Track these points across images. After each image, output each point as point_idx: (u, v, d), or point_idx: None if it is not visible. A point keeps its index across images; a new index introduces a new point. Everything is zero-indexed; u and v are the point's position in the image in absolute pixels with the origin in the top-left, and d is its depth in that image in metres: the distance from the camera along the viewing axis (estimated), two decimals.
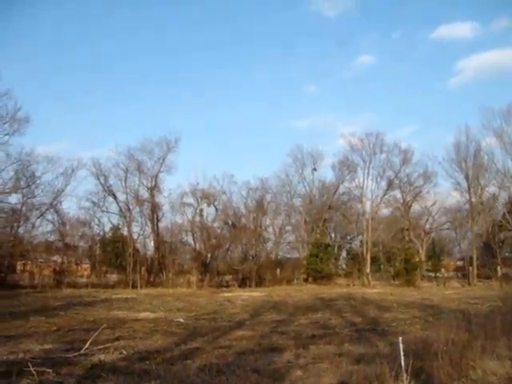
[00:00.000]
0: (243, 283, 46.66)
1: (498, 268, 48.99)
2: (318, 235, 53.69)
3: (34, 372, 8.09)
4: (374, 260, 56.69)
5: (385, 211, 60.26)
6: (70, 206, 48.80)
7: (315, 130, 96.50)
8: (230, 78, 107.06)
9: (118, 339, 12.65)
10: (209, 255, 48.91)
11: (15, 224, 42.82)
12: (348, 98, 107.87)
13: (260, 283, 46.87)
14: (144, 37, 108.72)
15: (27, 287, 37.70)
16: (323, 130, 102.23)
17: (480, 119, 53.47)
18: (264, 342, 12.68)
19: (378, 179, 55.06)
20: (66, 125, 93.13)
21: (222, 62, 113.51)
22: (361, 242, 56.97)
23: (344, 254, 64.41)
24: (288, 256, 58.83)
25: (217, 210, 52.33)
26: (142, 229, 49.97)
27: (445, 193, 58.98)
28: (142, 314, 20.01)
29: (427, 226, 63.12)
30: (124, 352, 10.75)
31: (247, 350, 11.17)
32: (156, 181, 49.81)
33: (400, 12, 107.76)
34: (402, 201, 57.60)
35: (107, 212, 49.24)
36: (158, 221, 50.04)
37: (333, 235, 63.89)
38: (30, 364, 8.45)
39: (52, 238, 46.43)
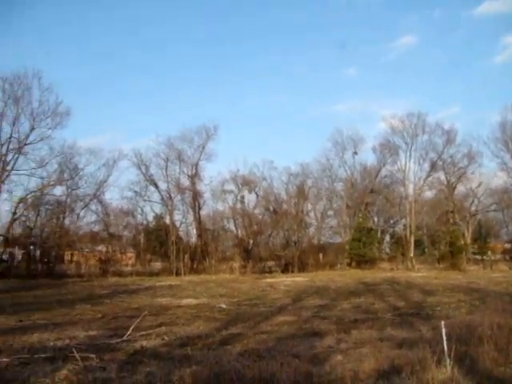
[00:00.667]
0: (286, 269, 46.69)
1: None
2: (361, 219, 53.14)
3: (79, 357, 8.22)
4: (418, 243, 55.90)
5: (428, 194, 59.08)
6: (113, 197, 50.07)
7: (355, 113, 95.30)
8: (269, 65, 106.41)
9: (160, 325, 12.79)
10: (251, 241, 49.13)
11: (61, 215, 43.95)
12: (389, 81, 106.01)
13: (303, 268, 46.78)
14: (185, 26, 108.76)
15: (74, 276, 38.70)
16: (364, 113, 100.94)
17: None
18: (305, 326, 12.62)
19: (421, 161, 54.14)
20: (106, 118, 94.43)
21: (261, 50, 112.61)
22: (404, 225, 56.21)
23: (387, 237, 63.73)
24: (330, 241, 58.56)
25: (258, 196, 52.54)
26: (184, 217, 50.72)
27: (490, 173, 57.52)
28: (185, 301, 20.21)
29: (473, 208, 61.44)
30: (166, 338, 10.86)
31: (288, 335, 11.14)
32: (196, 169, 50.27)
33: None
34: (445, 183, 56.42)
35: (149, 201, 50.08)
36: (199, 208, 50.52)
37: (375, 219, 63.21)
38: (74, 350, 8.60)
39: (96, 228, 47.56)
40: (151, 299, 21.24)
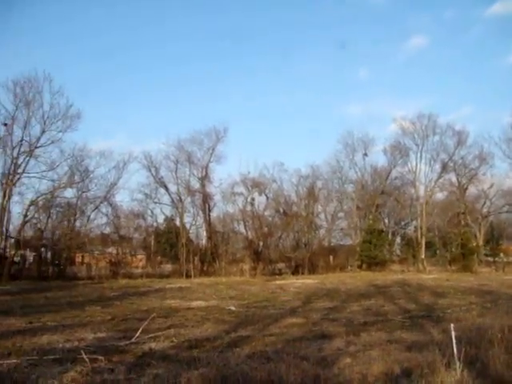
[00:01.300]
0: (296, 271, 46.63)
1: None
2: (371, 221, 53.00)
3: (87, 359, 8.26)
4: (430, 245, 55.64)
5: (439, 195, 58.85)
6: (123, 199, 50.03)
7: (367, 115, 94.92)
8: (280, 66, 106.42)
9: (169, 328, 12.79)
10: (261, 243, 49.04)
11: (72, 218, 44.16)
12: (400, 82, 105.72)
13: (313, 270, 46.68)
14: (194, 23, 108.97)
15: (85, 278, 38.88)
16: (375, 115, 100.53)
17: None
18: (315, 329, 12.57)
19: (432, 162, 54.03)
20: (116, 121, 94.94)
21: (271, 50, 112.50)
22: (415, 227, 55.99)
23: (398, 239, 63.41)
24: (341, 243, 58.34)
25: (268, 198, 52.38)
26: (194, 219, 50.59)
27: (502, 175, 56.93)
28: (195, 303, 20.21)
29: (484, 210, 60.86)
30: (175, 340, 10.85)
31: (297, 338, 11.08)
32: (206, 171, 50.19)
33: None
34: (457, 184, 56.12)
35: (159, 203, 50.10)
36: (209, 211, 50.49)
37: (386, 221, 62.91)
38: (83, 352, 8.63)
39: (107, 230, 47.74)
40: (161, 301, 21.25)
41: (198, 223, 50.87)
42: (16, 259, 41.05)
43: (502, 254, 52.58)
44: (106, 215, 46.67)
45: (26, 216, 40.63)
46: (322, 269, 47.22)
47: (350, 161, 57.62)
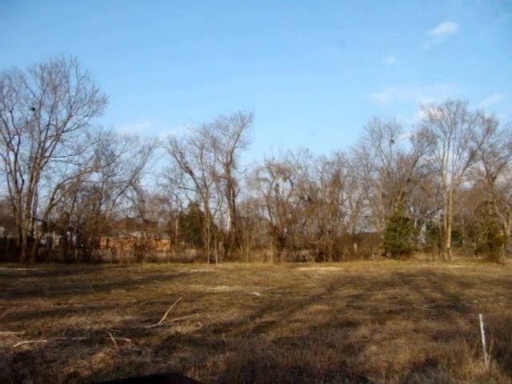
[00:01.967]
0: (320, 258, 46.58)
1: None
2: (397, 209, 52.59)
3: (114, 341, 8.37)
4: (456, 235, 55.03)
5: (467, 184, 58.17)
6: (149, 183, 50.38)
7: (394, 102, 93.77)
8: (306, 53, 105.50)
9: (194, 312, 12.86)
10: (285, 230, 49.08)
11: (97, 202, 44.77)
12: (428, 69, 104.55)
13: (337, 258, 46.59)
14: (218, 16, 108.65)
15: (110, 262, 39.49)
16: (402, 102, 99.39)
17: None
18: (339, 316, 12.53)
19: (460, 150, 53.30)
20: (143, 106, 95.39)
21: (299, 41, 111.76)
22: (441, 216, 55.41)
23: (424, 228, 62.94)
24: (365, 231, 58.27)
25: (292, 184, 52.38)
26: (218, 204, 50.85)
27: None
28: (219, 288, 20.30)
29: None
30: (200, 324, 10.92)
31: (322, 325, 11.06)
32: (231, 156, 50.32)
33: None
34: (485, 173, 55.22)
35: (184, 188, 50.54)
36: (234, 196, 50.71)
37: (412, 209, 62.47)
38: (110, 334, 8.75)
39: (132, 214, 48.25)
40: (185, 286, 21.40)
41: (222, 209, 51.20)
42: (43, 241, 41.75)
43: None
44: (132, 199, 47.30)
45: (52, 199, 41.23)
46: (346, 256, 47.13)
47: (376, 148, 57.39)
